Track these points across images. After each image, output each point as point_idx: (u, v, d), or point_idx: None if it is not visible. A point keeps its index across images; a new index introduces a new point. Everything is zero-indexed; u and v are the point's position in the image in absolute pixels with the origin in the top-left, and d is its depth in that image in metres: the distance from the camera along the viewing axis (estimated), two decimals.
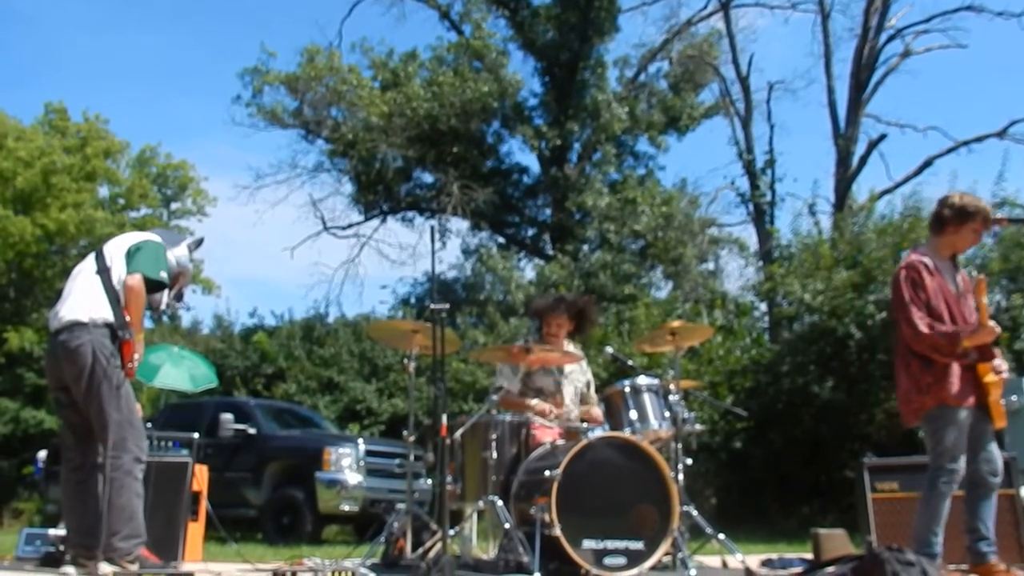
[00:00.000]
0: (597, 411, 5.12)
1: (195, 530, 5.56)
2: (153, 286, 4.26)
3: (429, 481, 9.45)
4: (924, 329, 3.80)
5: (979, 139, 19.43)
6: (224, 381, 14.68)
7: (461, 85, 18.39)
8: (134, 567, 3.84)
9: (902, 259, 4.09)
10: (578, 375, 5.32)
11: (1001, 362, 3.93)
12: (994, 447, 3.91)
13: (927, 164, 19.34)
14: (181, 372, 10.01)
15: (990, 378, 3.82)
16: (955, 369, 3.83)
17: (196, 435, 5.47)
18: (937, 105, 35.77)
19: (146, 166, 23.12)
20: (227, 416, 9.48)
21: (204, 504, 5.69)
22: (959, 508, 3.90)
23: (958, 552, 4.10)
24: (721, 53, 21.71)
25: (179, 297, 4.70)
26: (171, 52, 40.38)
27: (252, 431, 9.70)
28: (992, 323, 3.79)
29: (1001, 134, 19.13)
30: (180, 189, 23.67)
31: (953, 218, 3.99)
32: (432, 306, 3.95)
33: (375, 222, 21.10)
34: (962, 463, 3.77)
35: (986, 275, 11.27)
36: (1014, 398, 7.15)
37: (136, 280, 4.14)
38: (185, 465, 5.23)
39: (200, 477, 5.62)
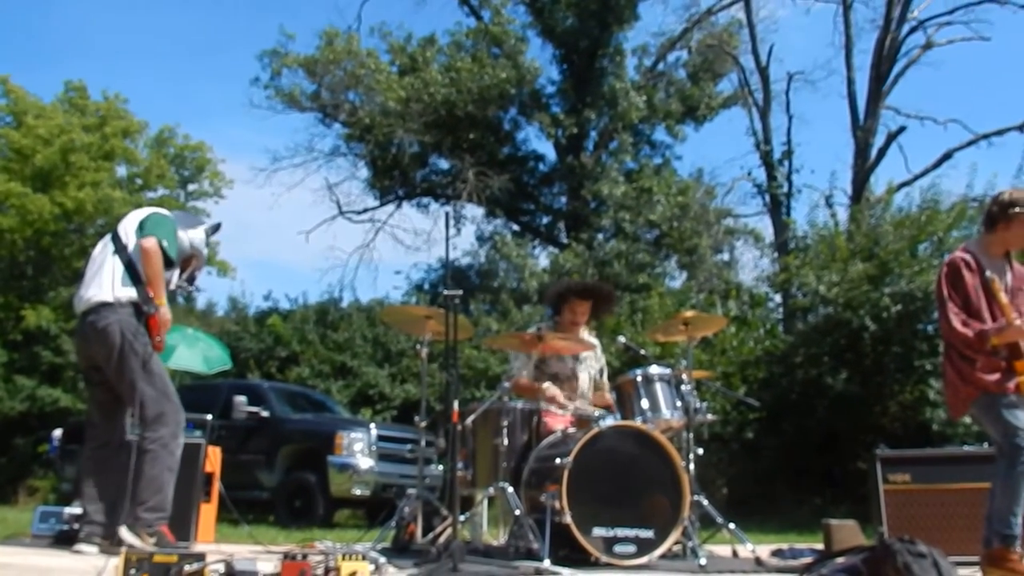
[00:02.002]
0: (608, 397, 5.12)
1: (208, 511, 5.61)
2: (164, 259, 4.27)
3: (440, 467, 9.47)
4: (957, 325, 3.86)
5: (1000, 132, 19.21)
6: (238, 364, 14.75)
7: (479, 71, 18.34)
8: (152, 541, 3.88)
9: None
10: (592, 362, 5.33)
11: None
12: None
13: (946, 157, 19.16)
14: (195, 354, 10.05)
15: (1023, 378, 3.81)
16: (995, 361, 3.85)
17: (209, 417, 5.51)
18: (958, 98, 35.41)
19: (164, 147, 23.16)
20: (241, 399, 9.56)
21: (217, 485, 5.74)
22: (975, 499, 3.90)
23: (971, 544, 4.10)
24: (741, 43, 21.56)
25: (191, 280, 4.71)
26: (190, 33, 40.49)
27: (265, 414, 9.76)
28: (1020, 322, 3.79)
29: (1022, 128, 18.91)
30: (197, 170, 23.70)
31: (1001, 214, 4.00)
32: (445, 292, 3.95)
33: (390, 207, 21.16)
34: None
35: None
36: None
37: (152, 243, 4.15)
38: (198, 446, 5.27)
39: (213, 459, 5.67)
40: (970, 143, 19.30)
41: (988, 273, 3.93)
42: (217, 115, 44.73)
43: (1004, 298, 3.87)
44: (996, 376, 3.83)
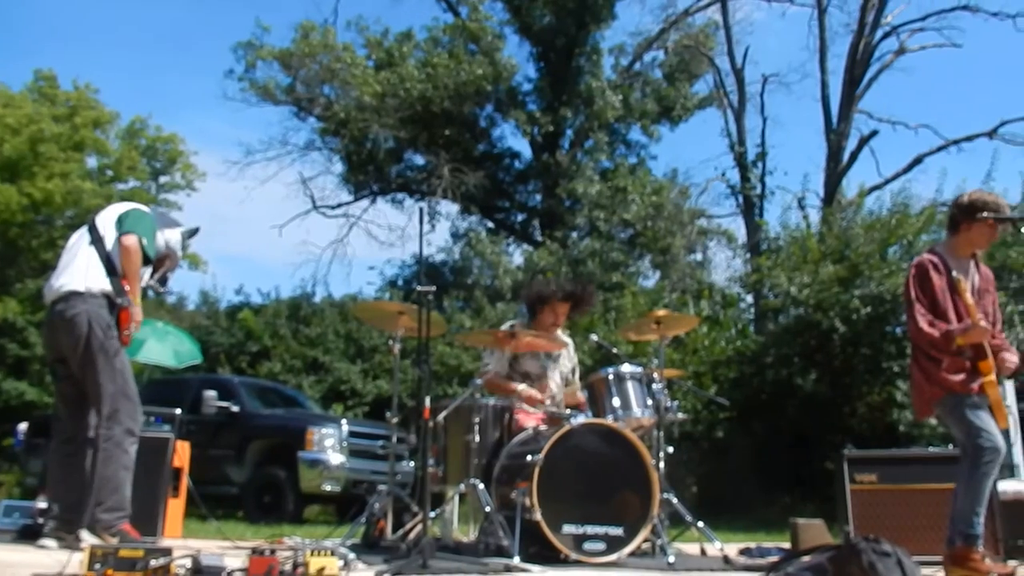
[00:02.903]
0: (580, 395, 5.14)
1: (175, 506, 5.56)
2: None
3: (412, 463, 9.45)
4: (924, 326, 3.91)
5: (969, 138, 19.53)
6: (208, 358, 14.61)
7: (456, 67, 18.29)
8: (114, 540, 3.83)
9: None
10: (565, 360, 5.35)
11: (1010, 355, 3.98)
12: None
13: (917, 161, 19.44)
14: (165, 348, 9.94)
15: (989, 378, 3.86)
16: (960, 361, 3.91)
17: (178, 411, 5.45)
18: (929, 103, 35.97)
19: (135, 138, 22.88)
20: (211, 393, 9.48)
21: (185, 480, 5.68)
22: (940, 500, 3.97)
23: (935, 543, 4.16)
24: (717, 44, 21.70)
25: (163, 281, 4.65)
26: (164, 23, 40.04)
27: (235, 409, 9.68)
28: (984, 323, 3.85)
29: (991, 134, 19.22)
30: (169, 162, 23.45)
31: (962, 217, 4.07)
32: (419, 288, 3.94)
33: (365, 203, 21.07)
34: (999, 440, 3.82)
35: None
36: None
37: (132, 240, 4.11)
38: (167, 441, 5.21)
39: (182, 453, 5.61)
40: (940, 148, 19.61)
41: (955, 274, 3.99)
42: (190, 107, 44.28)
43: (970, 299, 3.93)
44: (961, 376, 3.89)
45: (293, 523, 8.58)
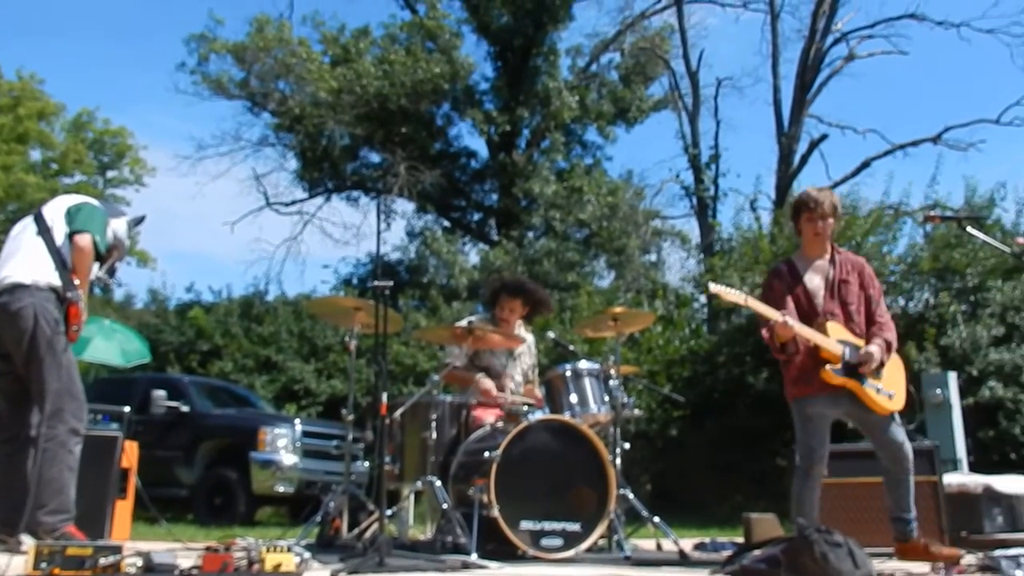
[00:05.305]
0: (538, 392, 5.14)
1: (123, 508, 5.41)
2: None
3: (367, 463, 9.38)
4: (763, 333, 4.00)
5: (915, 143, 20.07)
6: (157, 357, 14.33)
7: (413, 65, 18.20)
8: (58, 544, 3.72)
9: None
10: (526, 357, 5.36)
11: (871, 347, 3.95)
12: (893, 433, 3.95)
13: (865, 165, 19.90)
14: (112, 346, 9.72)
15: (825, 370, 3.87)
16: (799, 363, 3.98)
17: (127, 409, 5.32)
18: (877, 109, 36.73)
19: (82, 131, 22.39)
20: (159, 393, 9.30)
21: (133, 481, 5.54)
22: (878, 492, 4.06)
23: (881, 535, 4.25)
24: (672, 47, 21.96)
25: (112, 272, 4.54)
26: (112, 13, 39.18)
27: (185, 409, 9.53)
28: (783, 319, 3.81)
29: (936, 139, 19.76)
30: (117, 157, 22.99)
31: (793, 219, 4.20)
32: (375, 283, 3.90)
33: (319, 200, 20.86)
34: (816, 456, 3.90)
35: (916, 274, 11.72)
36: (938, 392, 7.40)
37: (86, 240, 3.99)
38: (115, 440, 5.07)
39: (130, 453, 5.47)
40: (887, 152, 20.11)
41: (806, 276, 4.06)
42: (140, 100, 43.48)
43: (791, 302, 3.98)
44: (798, 385, 4.00)
45: (245, 525, 8.46)
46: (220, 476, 9.19)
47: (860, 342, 3.98)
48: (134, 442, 5.63)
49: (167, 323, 17.45)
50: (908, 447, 3.96)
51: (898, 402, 3.98)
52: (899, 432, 3.96)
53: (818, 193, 4.11)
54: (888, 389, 3.94)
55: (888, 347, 4.00)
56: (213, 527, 7.89)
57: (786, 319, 3.81)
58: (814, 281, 4.07)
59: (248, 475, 8.98)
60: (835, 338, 3.92)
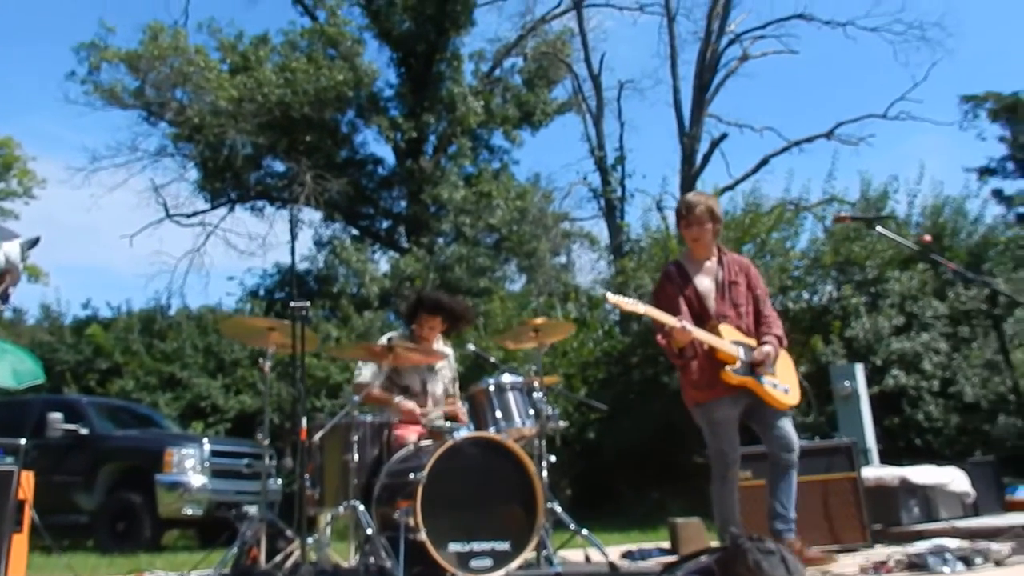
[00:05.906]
0: (462, 409, 5.04)
1: (19, 542, 5.08)
2: None
3: (279, 481, 9.10)
4: (658, 338, 4.05)
5: (810, 139, 20.85)
6: (52, 377, 13.65)
7: (315, 72, 17.84)
8: None
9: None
10: (446, 371, 5.25)
11: (761, 351, 4.04)
12: (784, 425, 4.04)
13: (764, 162, 20.54)
14: (2, 367, 9.18)
15: (725, 371, 3.95)
16: (697, 367, 4.04)
17: (23, 441, 4.98)
18: (773, 107, 37.97)
19: None
20: (55, 415, 8.81)
21: (29, 512, 5.21)
22: (810, 491, 4.12)
23: (810, 533, 4.32)
24: (574, 51, 22.20)
25: (5, 298, 4.24)
26: None
27: (84, 431, 9.09)
28: (681, 324, 3.88)
29: (829, 135, 20.56)
30: (4, 168, 21.79)
31: (677, 220, 4.28)
32: (293, 304, 3.74)
33: (222, 211, 20.21)
34: (730, 460, 4.01)
35: (819, 268, 12.11)
36: (846, 383, 7.60)
37: None
38: (10, 475, 4.74)
39: (26, 485, 5.13)
40: (784, 149, 20.80)
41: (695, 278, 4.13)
42: (27, 109, 41.16)
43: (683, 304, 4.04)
44: (699, 389, 4.06)
45: (151, 551, 8.11)
46: (123, 500, 8.80)
47: (751, 341, 4.09)
48: (30, 471, 5.29)
49: (62, 341, 16.65)
50: (796, 440, 4.05)
51: (794, 396, 4.11)
52: (789, 424, 4.08)
53: (694, 198, 4.20)
54: (783, 384, 4.06)
55: (780, 342, 4.14)
56: (116, 554, 7.56)
57: (683, 324, 3.85)
58: (704, 283, 4.14)
59: (154, 498, 8.63)
60: (729, 339, 4.01)
